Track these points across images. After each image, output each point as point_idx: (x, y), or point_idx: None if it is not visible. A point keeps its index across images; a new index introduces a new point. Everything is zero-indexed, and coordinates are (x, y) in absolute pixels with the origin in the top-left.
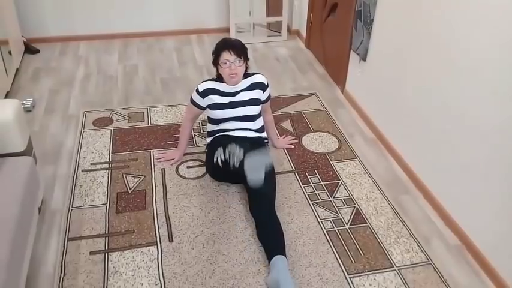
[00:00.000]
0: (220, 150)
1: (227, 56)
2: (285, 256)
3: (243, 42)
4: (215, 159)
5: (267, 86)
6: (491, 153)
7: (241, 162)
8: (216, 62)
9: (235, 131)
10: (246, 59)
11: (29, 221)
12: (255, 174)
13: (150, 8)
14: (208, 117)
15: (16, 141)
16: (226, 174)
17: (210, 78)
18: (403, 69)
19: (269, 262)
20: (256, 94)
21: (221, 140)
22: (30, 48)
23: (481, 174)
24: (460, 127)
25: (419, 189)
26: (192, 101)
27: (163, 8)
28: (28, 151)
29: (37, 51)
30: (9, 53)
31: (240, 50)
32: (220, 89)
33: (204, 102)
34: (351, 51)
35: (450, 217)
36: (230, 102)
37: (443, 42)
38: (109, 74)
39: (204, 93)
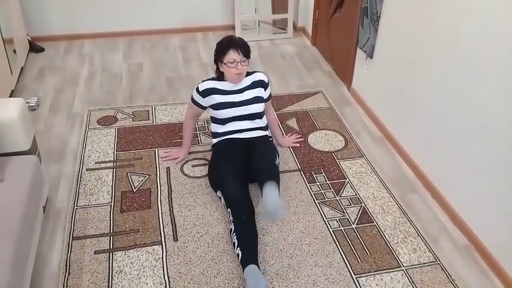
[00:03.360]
0: (222, 197)
1: (234, 56)
2: (277, 184)
3: (248, 40)
4: (218, 195)
5: (268, 84)
6: (501, 152)
7: (242, 262)
8: (219, 60)
9: (243, 132)
10: (249, 58)
11: (34, 219)
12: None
13: (154, 5)
14: (211, 117)
15: (21, 140)
16: None
17: (211, 77)
18: (411, 67)
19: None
20: (258, 92)
21: (225, 152)
22: (35, 47)
23: (490, 173)
24: (470, 125)
25: (427, 188)
26: (193, 100)
27: (168, 6)
28: (33, 150)
29: (42, 49)
30: (14, 51)
31: (246, 49)
32: (222, 88)
33: (205, 101)
34: (358, 49)
35: (458, 216)
36: (234, 101)
37: (453, 39)
38: (114, 72)
39: (204, 93)
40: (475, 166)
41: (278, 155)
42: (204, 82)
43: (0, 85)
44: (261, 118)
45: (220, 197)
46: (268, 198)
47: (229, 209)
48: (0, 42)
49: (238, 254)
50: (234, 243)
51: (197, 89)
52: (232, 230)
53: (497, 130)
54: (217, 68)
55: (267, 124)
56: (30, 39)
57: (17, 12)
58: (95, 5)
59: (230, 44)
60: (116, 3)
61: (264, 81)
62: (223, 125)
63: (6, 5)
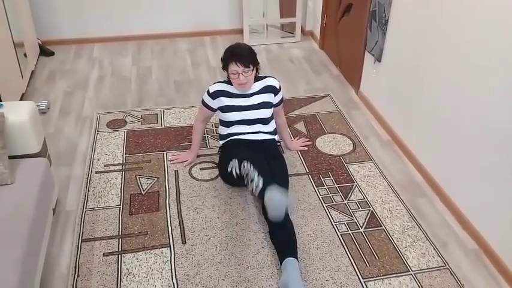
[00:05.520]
0: (235, 162)
1: (235, 68)
2: (297, 259)
3: (253, 45)
4: (229, 169)
5: (279, 89)
6: (511, 156)
7: (262, 192)
8: (224, 69)
9: (248, 134)
10: (256, 65)
11: (44, 222)
12: (276, 211)
13: (163, 10)
14: (219, 119)
15: (31, 142)
16: (240, 182)
17: (222, 80)
18: (419, 70)
19: (281, 264)
20: (267, 97)
21: (233, 145)
22: (45, 51)
23: (500, 177)
24: (479, 129)
25: (435, 192)
26: (203, 103)
27: (177, 10)
28: (43, 152)
29: (52, 53)
30: (25, 55)
31: (247, 59)
32: (231, 91)
33: (214, 104)
34: (366, 52)
35: (467, 220)
36: (241, 105)
37: (461, 42)
38: (123, 75)
39: (214, 95)
40: (484, 170)
41: (287, 175)
42: (215, 84)
43: (11, 88)
44: (267, 124)
45: (231, 169)
46: (292, 281)
47: (243, 163)
48: (11, 46)
49: (257, 186)
50: (253, 179)
51: (208, 91)
52: (251, 168)
53: (507, 134)
54: (227, 73)
55: (274, 129)
56: (40, 43)
57: (27, 17)
58: (105, 10)
59: (231, 57)
60: (125, 8)
61: (275, 87)
62: (229, 127)
63: (17, 9)
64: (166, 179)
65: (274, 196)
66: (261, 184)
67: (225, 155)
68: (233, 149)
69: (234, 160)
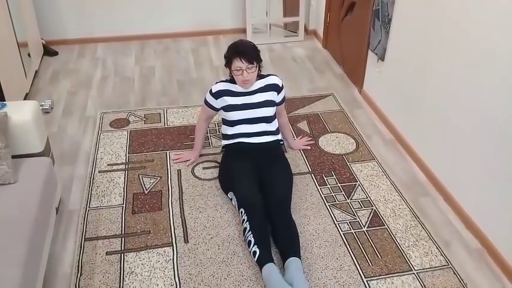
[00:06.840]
0: (234, 199)
1: (239, 64)
2: (300, 258)
3: (256, 44)
4: (229, 197)
5: (282, 88)
6: None
7: (259, 261)
8: (228, 66)
9: (252, 137)
10: (259, 62)
11: (47, 221)
12: None
13: (166, 9)
14: (222, 119)
15: (34, 142)
16: None
17: (224, 79)
18: (423, 69)
19: (283, 264)
20: (270, 96)
21: (235, 152)
22: (48, 50)
23: (503, 176)
24: (482, 128)
25: (439, 191)
26: (206, 102)
27: (180, 10)
28: (46, 152)
29: (56, 53)
30: (29, 55)
31: (251, 56)
32: (234, 90)
33: (217, 103)
34: (369, 51)
35: (471, 220)
36: (244, 103)
37: (466, 41)
38: (126, 75)
39: (217, 95)
40: (487, 169)
41: (292, 175)
42: (217, 84)
43: (14, 88)
44: (270, 122)
45: (231, 198)
46: (296, 281)
47: (241, 209)
48: (15, 46)
49: (254, 252)
50: (250, 241)
51: (210, 91)
52: (247, 229)
53: (511, 133)
54: (230, 71)
55: (277, 128)
56: (44, 43)
57: (31, 17)
58: (108, 9)
59: (235, 53)
60: (128, 8)
61: (278, 85)
62: (232, 127)
63: (21, 9)
64: (169, 178)
65: (274, 281)
66: (258, 252)
67: (227, 164)
68: (234, 160)
69: (232, 194)
